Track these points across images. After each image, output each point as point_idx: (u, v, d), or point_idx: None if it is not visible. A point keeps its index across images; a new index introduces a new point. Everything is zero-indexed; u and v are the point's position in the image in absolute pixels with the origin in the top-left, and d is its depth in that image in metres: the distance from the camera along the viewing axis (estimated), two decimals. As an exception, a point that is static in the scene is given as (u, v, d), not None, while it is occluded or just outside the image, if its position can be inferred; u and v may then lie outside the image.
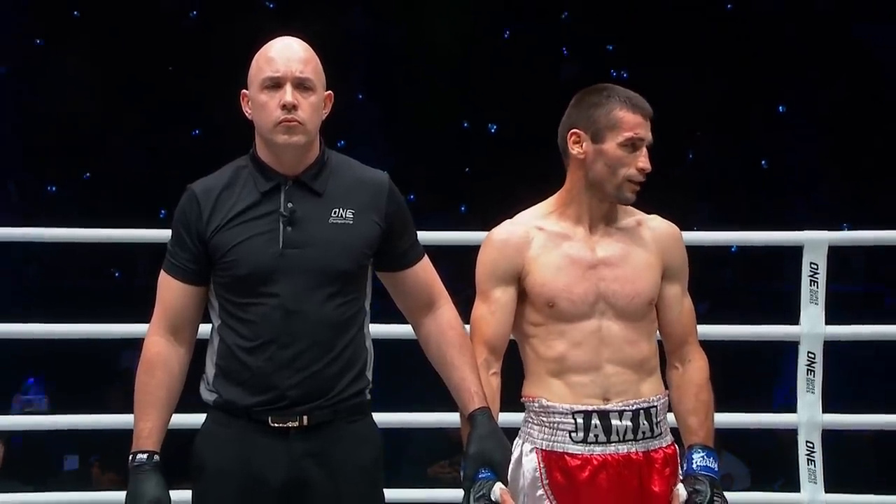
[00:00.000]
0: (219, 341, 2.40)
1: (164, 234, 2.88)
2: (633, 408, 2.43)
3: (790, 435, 3.51)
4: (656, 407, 2.46)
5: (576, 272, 2.44)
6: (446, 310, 2.46)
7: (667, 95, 9.04)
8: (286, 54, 2.37)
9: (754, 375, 5.90)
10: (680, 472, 2.47)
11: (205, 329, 2.48)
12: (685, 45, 9.20)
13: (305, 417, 2.36)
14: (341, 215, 2.38)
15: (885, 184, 8.47)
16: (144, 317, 3.35)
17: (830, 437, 3.51)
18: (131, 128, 8.74)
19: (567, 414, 2.43)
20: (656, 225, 2.52)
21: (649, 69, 9.19)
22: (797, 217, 7.60)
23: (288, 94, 2.35)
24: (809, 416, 3.46)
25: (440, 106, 8.88)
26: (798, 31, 9.49)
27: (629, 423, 2.42)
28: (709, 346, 3.87)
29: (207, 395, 2.44)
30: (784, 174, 8.51)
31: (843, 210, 8.23)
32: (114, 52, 8.96)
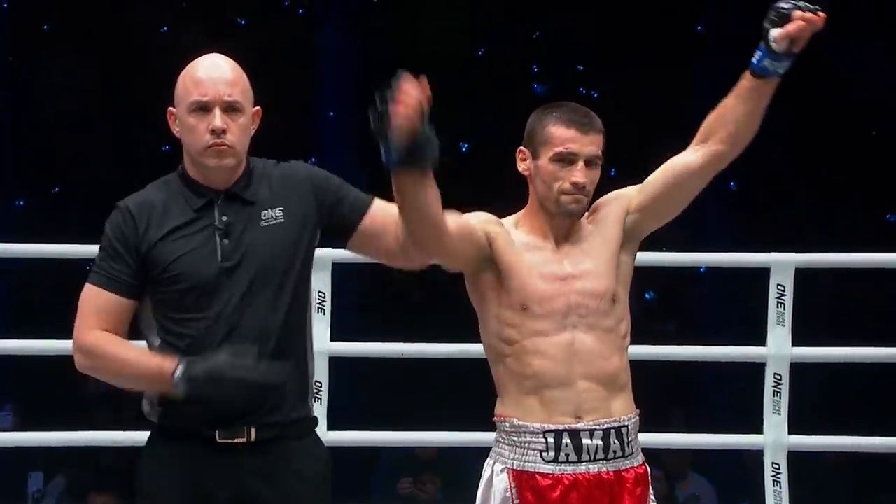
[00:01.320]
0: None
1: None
2: (605, 427, 2.43)
3: (757, 455, 3.53)
4: (627, 426, 2.46)
5: (547, 284, 2.47)
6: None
7: (637, 116, 9.10)
8: (214, 76, 2.38)
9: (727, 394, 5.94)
10: (650, 493, 2.48)
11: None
12: (656, 65, 9.26)
13: (253, 432, 2.35)
14: (271, 216, 2.40)
15: (853, 203, 8.54)
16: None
17: (797, 459, 3.53)
18: (102, 141, 8.70)
19: (538, 433, 2.44)
20: (599, 208, 2.54)
21: (619, 89, 9.25)
22: (767, 238, 7.66)
23: (217, 118, 2.36)
24: (775, 437, 3.48)
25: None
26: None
27: (600, 443, 2.42)
28: (677, 366, 3.90)
29: (151, 414, 2.42)
30: (753, 194, 8.56)
31: (812, 230, 8.29)
32: (84, 66, 8.92)
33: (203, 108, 2.37)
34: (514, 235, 2.50)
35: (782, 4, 2.44)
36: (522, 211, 2.57)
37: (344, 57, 9.36)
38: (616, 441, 2.44)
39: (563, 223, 2.52)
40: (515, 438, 2.42)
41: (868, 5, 10.12)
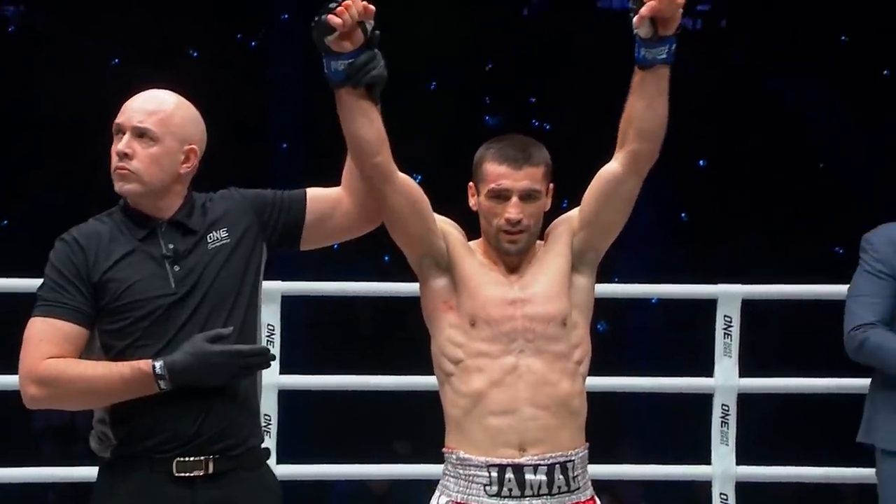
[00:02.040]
0: None
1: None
2: (549, 461, 2.41)
3: (706, 486, 3.54)
4: (573, 461, 2.44)
5: (497, 305, 2.46)
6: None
7: (590, 148, 9.17)
8: (136, 103, 2.41)
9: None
10: None
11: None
12: (607, 98, 9.35)
13: (211, 465, 2.34)
14: (217, 237, 2.41)
15: (802, 236, 8.64)
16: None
17: (745, 490, 3.55)
18: (50, 174, 8.63)
19: (482, 467, 2.42)
20: (549, 233, 2.55)
21: (572, 121, 9.32)
22: (716, 269, 7.72)
23: (122, 142, 2.38)
24: (724, 468, 3.50)
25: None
26: (714, 86, 9.69)
27: (544, 478, 2.40)
28: (629, 397, 3.90)
29: (101, 450, 2.40)
30: (703, 226, 8.64)
31: (763, 262, 8.37)
32: (32, 97, 8.86)
33: (118, 132, 2.40)
34: (479, 258, 2.51)
35: None
36: (477, 241, 2.58)
37: (296, 89, 9.37)
38: (561, 476, 2.41)
39: (514, 259, 2.51)
40: (461, 471, 2.41)
41: (811, 42, 10.29)
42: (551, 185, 2.55)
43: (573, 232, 2.52)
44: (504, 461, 2.40)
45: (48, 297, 2.35)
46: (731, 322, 3.49)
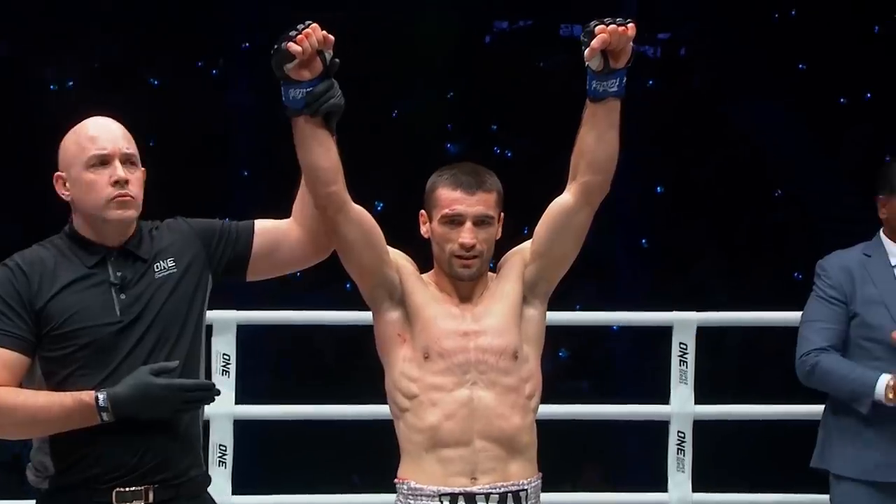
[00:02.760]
0: None
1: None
2: (501, 490, 2.42)
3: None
4: (526, 490, 2.45)
5: (449, 338, 2.47)
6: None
7: (551, 175, 9.22)
8: (108, 131, 2.40)
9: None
10: None
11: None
12: (569, 126, 9.41)
13: (151, 494, 2.33)
14: (164, 267, 2.41)
15: (760, 261, 8.71)
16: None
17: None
18: (3, 201, 8.58)
19: (434, 497, 2.42)
20: (502, 265, 2.56)
21: (533, 149, 9.36)
22: (676, 296, 7.77)
23: (119, 169, 2.38)
24: (680, 495, 3.50)
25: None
26: (673, 112, 9.78)
27: None
28: (587, 424, 3.89)
29: (39, 482, 2.38)
30: (663, 253, 8.70)
31: (720, 289, 8.43)
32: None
33: (103, 162, 2.37)
34: (432, 290, 2.50)
35: (590, 24, 2.43)
36: (430, 272, 2.58)
37: (257, 117, 9.37)
38: None
39: (464, 283, 2.51)
40: (412, 501, 2.42)
41: (769, 69, 10.41)
42: (502, 214, 2.56)
43: (525, 263, 2.53)
44: (456, 490, 2.41)
45: None
46: (686, 349, 3.50)
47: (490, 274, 2.57)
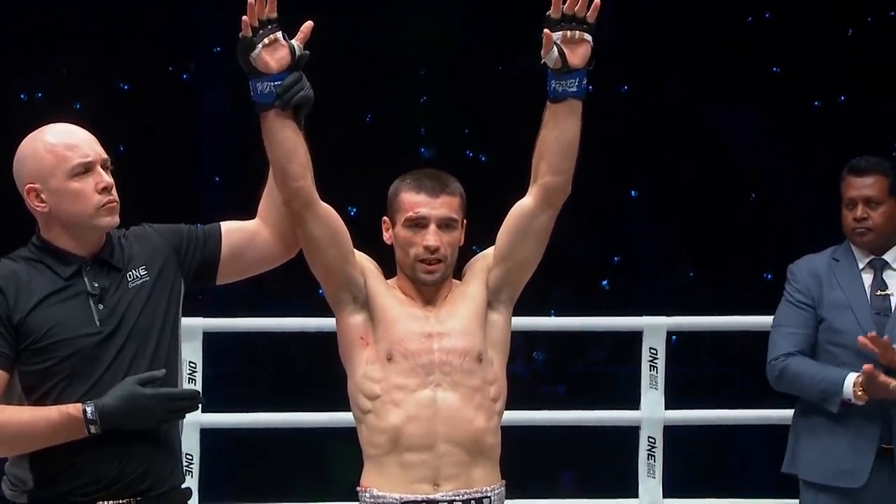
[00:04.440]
0: None
1: None
2: (464, 497, 2.42)
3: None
4: (490, 497, 2.44)
5: (413, 338, 2.47)
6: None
7: (524, 179, 9.25)
8: (84, 137, 2.39)
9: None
10: None
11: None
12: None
13: None
14: (136, 276, 2.41)
15: (734, 267, 8.77)
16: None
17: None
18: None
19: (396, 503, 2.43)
20: (467, 269, 2.56)
21: (507, 153, 9.40)
22: (648, 301, 7.80)
23: (105, 175, 2.38)
24: (651, 500, 3.52)
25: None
26: (648, 116, 9.83)
27: None
28: (564, 430, 3.91)
29: (16, 496, 2.36)
30: (636, 258, 8.74)
31: (693, 293, 8.48)
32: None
33: (87, 170, 2.36)
34: (397, 294, 2.51)
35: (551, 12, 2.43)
36: (393, 278, 2.58)
37: (229, 122, 9.36)
38: None
39: (429, 290, 2.51)
40: None
41: (742, 73, 10.48)
42: (465, 221, 2.56)
43: (489, 268, 2.53)
44: (418, 497, 2.41)
45: None
46: (656, 354, 3.52)
47: (454, 280, 2.57)
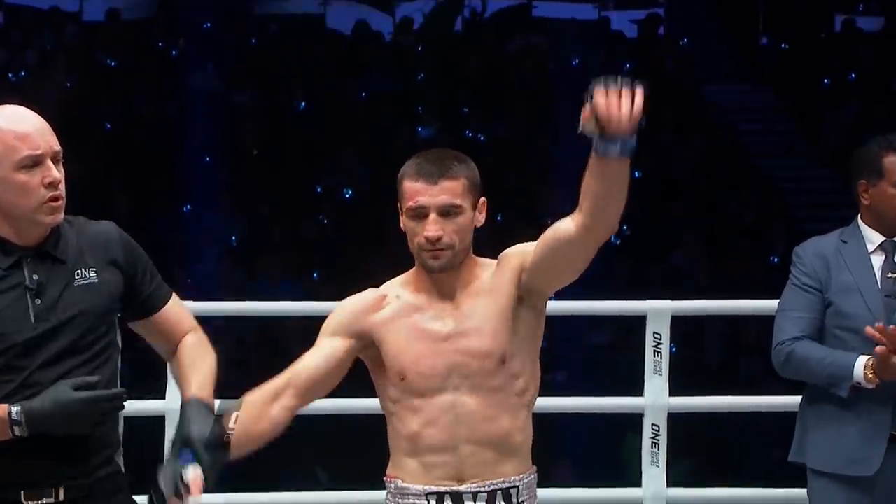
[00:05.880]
0: None
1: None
2: (490, 488, 2.41)
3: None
4: (518, 487, 2.43)
5: (426, 345, 2.44)
6: (187, 337, 2.48)
7: (525, 159, 9.23)
8: (37, 127, 2.33)
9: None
10: None
11: None
12: (541, 107, 9.43)
13: (62, 492, 2.32)
14: (85, 275, 2.37)
15: (741, 249, 8.76)
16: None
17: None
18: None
19: (420, 495, 2.42)
20: (501, 262, 2.50)
21: (506, 132, 9.38)
22: (653, 284, 7.80)
23: (53, 170, 2.32)
24: (654, 490, 3.50)
25: (291, 169, 8.89)
26: (651, 94, 9.79)
27: None
28: (564, 417, 3.91)
29: None
30: (641, 240, 8.73)
31: (700, 276, 8.47)
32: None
33: (35, 163, 2.29)
34: (401, 298, 2.47)
35: (594, 85, 2.28)
36: (413, 269, 2.52)
37: (218, 100, 9.33)
38: (503, 502, 2.42)
39: (444, 278, 2.45)
40: (400, 500, 2.42)
41: (749, 50, 10.46)
42: (482, 200, 2.50)
43: (523, 268, 2.46)
44: (442, 489, 2.40)
45: None
46: (660, 339, 3.48)
47: (486, 262, 2.51)
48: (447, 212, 2.44)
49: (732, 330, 7.77)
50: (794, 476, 3.37)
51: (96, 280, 2.37)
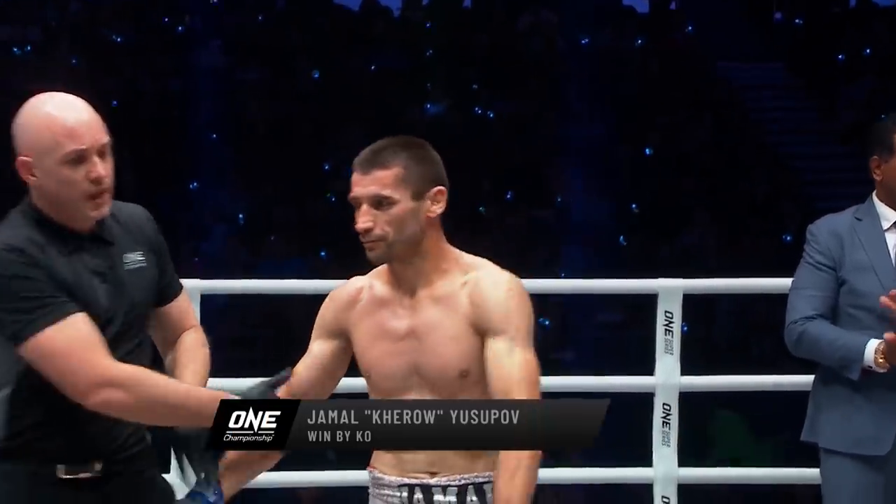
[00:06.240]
0: (12, 390, 2.34)
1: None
2: (460, 483, 2.37)
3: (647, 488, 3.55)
4: (492, 482, 2.35)
5: (387, 344, 2.40)
6: (189, 333, 2.50)
7: (534, 136, 9.21)
8: (83, 120, 2.35)
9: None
10: None
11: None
12: (552, 85, 9.40)
13: (98, 466, 2.35)
14: (134, 259, 2.40)
15: (753, 228, 8.74)
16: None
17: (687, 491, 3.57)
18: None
19: (394, 487, 2.40)
20: (478, 284, 2.38)
21: (516, 109, 9.35)
22: (664, 262, 7.79)
23: (98, 166, 2.34)
24: (665, 470, 3.50)
25: (299, 146, 8.88)
26: (663, 70, 9.76)
27: (453, 499, 2.37)
28: (573, 397, 3.89)
29: None
30: (653, 218, 8.71)
31: (712, 255, 8.45)
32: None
33: (80, 158, 2.32)
34: (373, 290, 2.41)
35: None
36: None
37: (225, 77, 9.32)
38: (475, 497, 2.37)
39: (402, 270, 2.38)
40: (377, 490, 2.42)
41: (763, 25, 10.41)
42: (437, 189, 2.37)
43: (477, 325, 2.34)
44: (414, 481, 2.38)
45: (40, 302, 2.28)
46: (672, 318, 3.47)
47: (463, 262, 2.42)
48: (378, 202, 2.35)
49: (741, 309, 7.76)
50: (805, 455, 3.37)
51: (144, 263, 2.41)
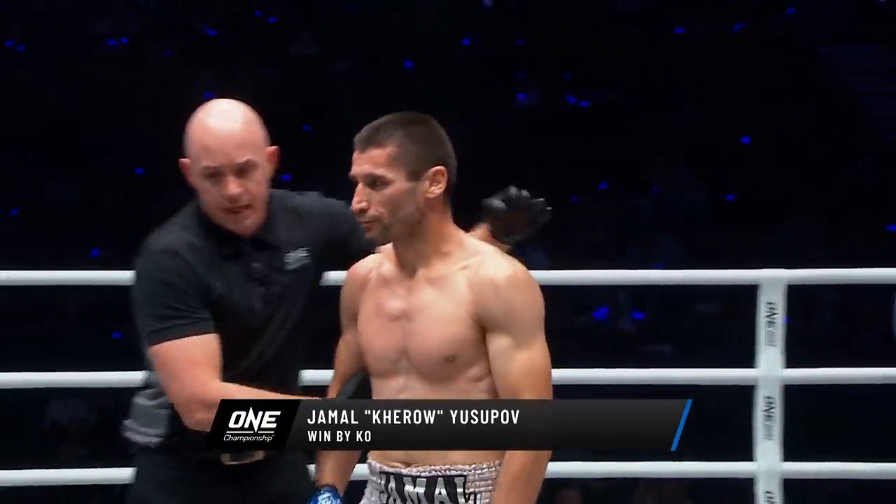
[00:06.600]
0: None
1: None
2: (431, 474, 2.32)
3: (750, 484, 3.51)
4: (465, 476, 2.31)
5: (380, 324, 2.35)
6: None
7: (631, 126, 9.13)
8: (222, 137, 2.38)
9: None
10: None
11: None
12: (649, 74, 9.31)
13: (260, 453, 2.40)
14: (296, 258, 2.44)
15: (857, 217, 8.58)
16: (72, 366, 3.32)
17: (793, 488, 3.52)
18: (60, 158, 8.70)
19: (377, 473, 2.37)
20: (479, 271, 2.31)
21: (610, 98, 9.28)
22: (764, 253, 7.67)
23: (231, 184, 2.37)
24: (769, 464, 3.45)
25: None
26: (763, 58, 9.62)
27: (422, 490, 2.32)
28: (672, 390, 3.86)
29: (143, 438, 2.44)
30: (751, 207, 8.60)
31: (814, 245, 8.32)
32: (44, 83, 8.93)
33: (214, 175, 2.37)
34: (382, 269, 2.37)
35: None
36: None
37: (320, 69, 9.38)
38: (443, 490, 2.32)
39: (405, 253, 2.33)
40: (370, 476, 2.41)
41: (867, 8, 10.20)
42: (437, 169, 2.30)
43: (475, 316, 2.29)
44: (390, 470, 2.35)
45: (175, 313, 2.35)
46: (775, 309, 3.41)
47: (469, 247, 2.35)
48: (372, 182, 2.29)
49: (845, 301, 7.63)
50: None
51: (308, 260, 2.44)
